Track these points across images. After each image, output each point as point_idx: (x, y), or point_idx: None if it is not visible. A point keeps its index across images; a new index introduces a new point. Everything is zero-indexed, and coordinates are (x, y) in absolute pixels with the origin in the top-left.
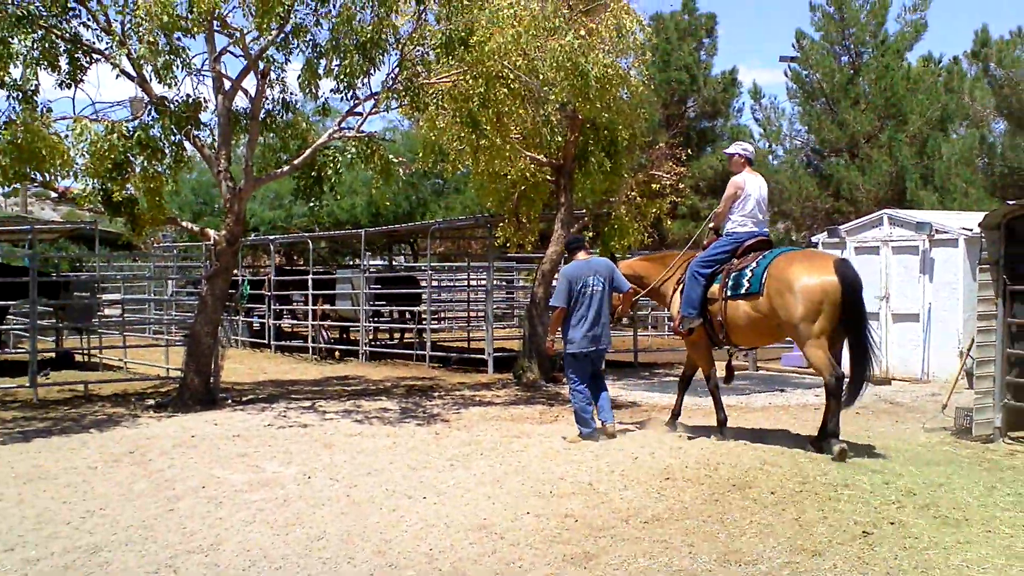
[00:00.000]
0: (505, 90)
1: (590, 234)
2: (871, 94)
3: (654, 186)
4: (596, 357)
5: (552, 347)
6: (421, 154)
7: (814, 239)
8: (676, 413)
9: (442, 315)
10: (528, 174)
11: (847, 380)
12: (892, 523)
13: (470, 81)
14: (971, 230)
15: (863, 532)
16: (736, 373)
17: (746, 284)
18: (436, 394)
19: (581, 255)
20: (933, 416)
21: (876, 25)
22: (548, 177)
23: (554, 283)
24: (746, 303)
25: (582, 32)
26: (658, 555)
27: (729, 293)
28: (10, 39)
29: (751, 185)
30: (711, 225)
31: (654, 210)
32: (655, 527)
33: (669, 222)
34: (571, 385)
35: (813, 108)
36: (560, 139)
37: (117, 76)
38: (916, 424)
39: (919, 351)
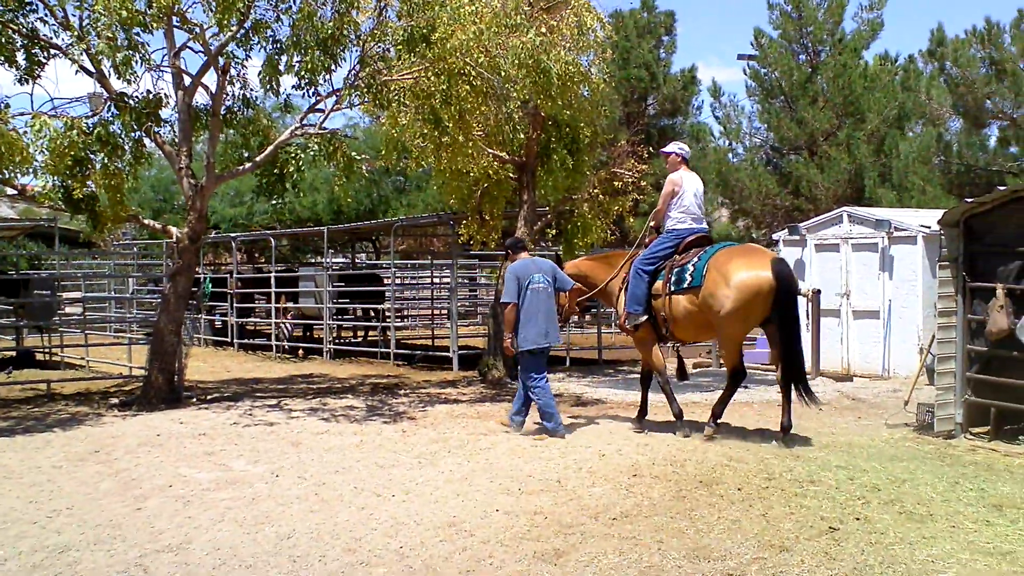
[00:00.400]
0: (467, 87)
1: (553, 231)
2: (829, 92)
3: (616, 184)
4: (546, 353)
5: (511, 347)
6: (383, 151)
7: (774, 236)
8: (643, 412)
9: (406, 313)
10: (491, 171)
11: (786, 378)
12: (858, 519)
13: (432, 78)
14: (930, 227)
15: (830, 528)
16: (697, 369)
17: (688, 278)
18: (402, 392)
19: (524, 255)
20: (895, 412)
21: (833, 24)
22: (511, 175)
23: None
24: (687, 297)
25: (543, 29)
26: (627, 552)
27: (672, 288)
28: None
29: (688, 182)
30: (652, 223)
31: (616, 207)
32: (624, 524)
33: (631, 219)
34: (531, 383)
35: (772, 106)
36: (522, 136)
37: (76, 72)
38: (878, 420)
39: (879, 347)
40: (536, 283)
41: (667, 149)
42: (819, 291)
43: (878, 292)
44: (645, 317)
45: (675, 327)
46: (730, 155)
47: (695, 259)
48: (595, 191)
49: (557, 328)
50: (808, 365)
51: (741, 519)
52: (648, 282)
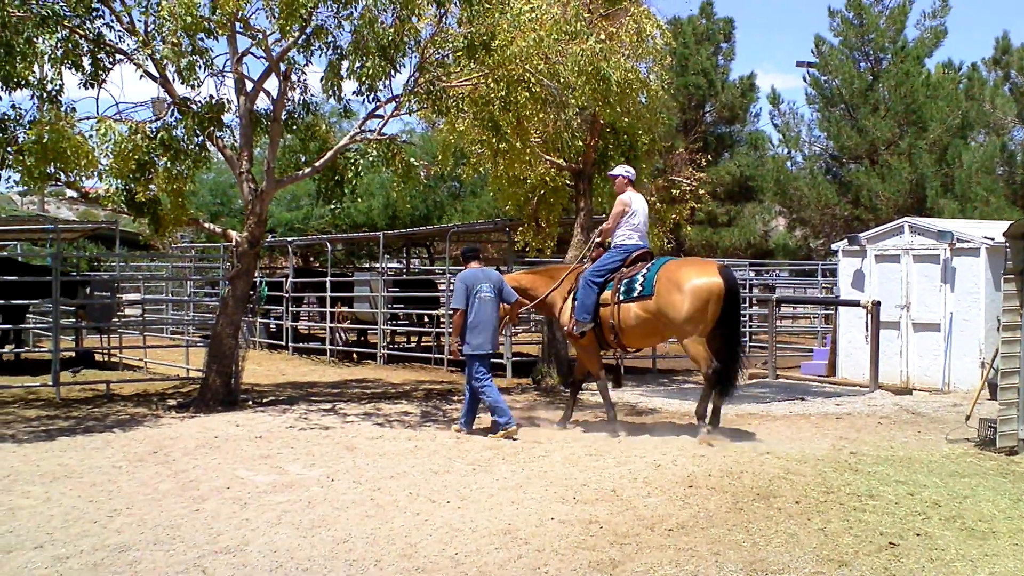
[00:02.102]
0: (526, 94)
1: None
2: (891, 100)
3: (674, 191)
4: (489, 357)
5: (458, 350)
6: (440, 157)
7: (833, 247)
8: (569, 414)
9: None
10: (548, 178)
11: (726, 373)
12: (918, 534)
13: (491, 85)
14: (993, 239)
15: (889, 543)
16: (754, 380)
17: (638, 288)
18: (455, 398)
19: (475, 264)
20: (956, 427)
21: (895, 31)
22: (568, 182)
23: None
24: (637, 305)
25: (602, 36)
26: (684, 563)
27: (622, 297)
28: (35, 39)
29: (636, 203)
30: (598, 239)
31: (673, 215)
32: (680, 535)
33: (688, 228)
34: (479, 384)
35: (832, 114)
36: (580, 143)
37: (140, 77)
38: (939, 435)
39: (940, 361)
40: (484, 292)
41: (614, 172)
42: (879, 303)
43: (939, 304)
44: (592, 325)
45: (624, 334)
46: (789, 163)
47: (643, 271)
48: (652, 199)
49: (498, 336)
50: (866, 377)
51: (799, 533)
52: (597, 293)
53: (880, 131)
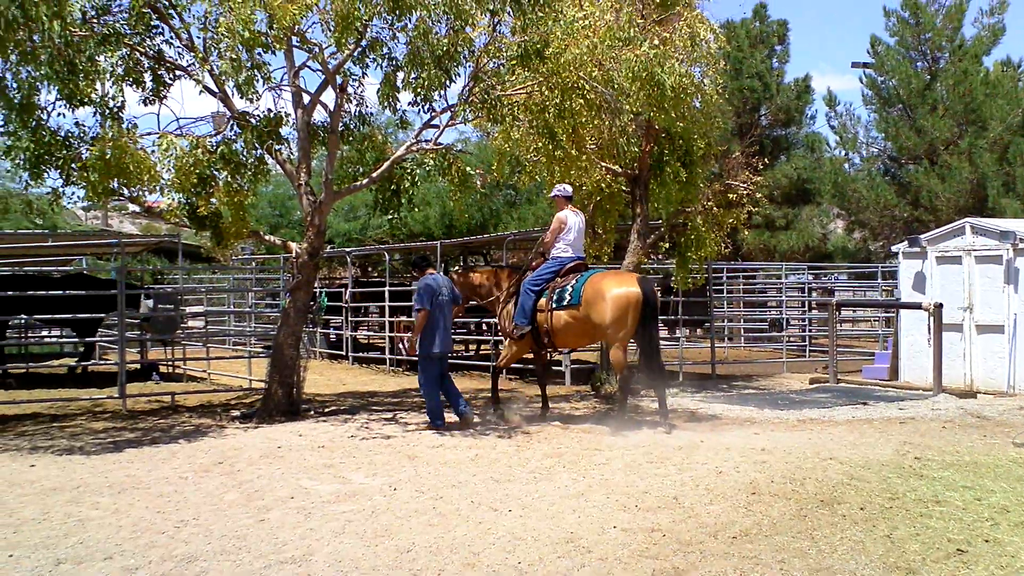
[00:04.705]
0: (581, 101)
1: (666, 245)
2: (949, 100)
3: (730, 196)
4: (445, 359)
5: (414, 348)
6: (495, 165)
7: (893, 248)
8: (545, 406)
9: None
10: (603, 185)
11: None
12: (987, 541)
13: (546, 92)
14: None
15: (957, 550)
16: (814, 385)
17: (568, 297)
18: (515, 406)
19: (431, 271)
20: (1023, 430)
21: (953, 29)
22: (623, 188)
23: None
24: (567, 312)
25: (656, 42)
26: (748, 571)
27: (554, 305)
28: (97, 57)
29: (572, 220)
30: (539, 251)
31: (731, 220)
32: (744, 543)
33: (746, 232)
34: (427, 391)
35: (890, 115)
36: (635, 149)
37: (200, 92)
38: (1005, 439)
39: (1004, 363)
40: (443, 296)
41: (553, 193)
42: (941, 305)
43: (1003, 306)
44: (529, 328)
45: (556, 337)
46: (846, 165)
47: (573, 281)
48: (709, 203)
49: (451, 337)
50: (929, 381)
51: (864, 540)
52: (535, 300)
53: (939, 131)
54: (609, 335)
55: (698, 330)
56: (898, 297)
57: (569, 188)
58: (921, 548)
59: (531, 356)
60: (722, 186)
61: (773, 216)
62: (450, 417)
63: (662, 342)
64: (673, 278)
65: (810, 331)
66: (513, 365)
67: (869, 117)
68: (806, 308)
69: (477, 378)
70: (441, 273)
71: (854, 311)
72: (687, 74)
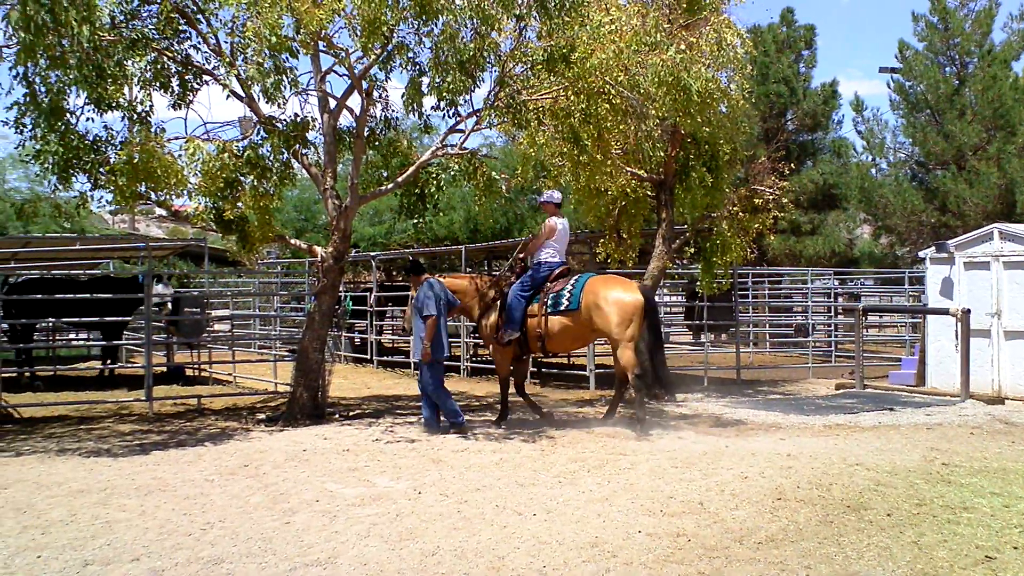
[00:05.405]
0: (607, 106)
1: (691, 250)
2: (978, 105)
3: (756, 201)
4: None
5: (428, 355)
6: (520, 170)
7: (920, 254)
8: (503, 414)
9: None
10: (629, 190)
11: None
12: (1015, 548)
13: (571, 97)
14: None
15: (986, 557)
16: (840, 390)
17: (566, 302)
18: (543, 409)
19: (424, 277)
20: None
21: (982, 35)
22: (649, 193)
23: (655, 298)
24: (566, 317)
25: (682, 47)
26: None
27: (549, 310)
28: (125, 62)
29: (561, 225)
30: (521, 255)
31: (756, 225)
32: (770, 548)
33: (771, 237)
34: (437, 393)
35: (917, 120)
36: (661, 154)
37: (227, 97)
38: None
39: None
40: (443, 301)
41: (542, 199)
42: (968, 311)
43: None
44: (518, 334)
45: (550, 342)
46: (873, 170)
47: (569, 286)
48: (735, 208)
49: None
50: (956, 387)
51: (892, 546)
52: (525, 305)
53: (967, 136)
54: (615, 337)
55: (723, 335)
56: (925, 303)
57: (558, 194)
58: (949, 555)
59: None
60: (748, 191)
61: (799, 221)
62: (447, 420)
63: (687, 347)
64: (698, 283)
65: (836, 336)
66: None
67: (896, 122)
68: (832, 313)
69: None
70: (436, 278)
71: (880, 316)
72: (713, 79)
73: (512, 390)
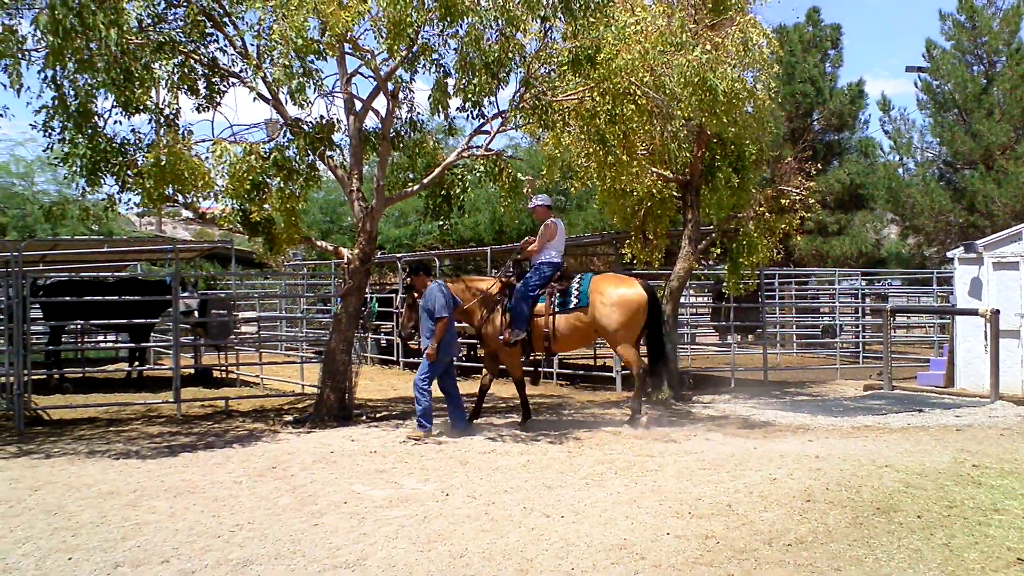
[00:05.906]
0: (632, 106)
1: (717, 250)
2: (1006, 104)
3: (783, 201)
4: (451, 362)
5: (434, 355)
6: (545, 171)
7: (948, 254)
8: (475, 414)
9: None
10: (655, 190)
11: (653, 372)
12: None
13: (597, 98)
14: None
15: (1017, 559)
16: (869, 392)
17: (574, 300)
18: (566, 412)
19: (431, 279)
20: None
21: (1010, 33)
22: (675, 193)
23: (681, 299)
24: (574, 315)
25: (708, 47)
26: None
27: (557, 308)
28: (152, 65)
29: (559, 226)
30: (519, 256)
31: (783, 225)
32: (799, 550)
33: (798, 237)
34: (422, 390)
35: (945, 119)
36: (687, 155)
37: (253, 99)
38: None
39: None
40: (450, 302)
41: (534, 203)
42: (997, 311)
43: None
44: (524, 334)
45: (557, 340)
46: (900, 170)
47: (575, 284)
48: (761, 209)
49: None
50: (986, 388)
51: (922, 548)
52: (531, 306)
53: (995, 135)
54: (617, 337)
55: (750, 336)
56: (954, 303)
57: (548, 198)
58: (980, 557)
59: (490, 361)
60: (774, 191)
61: (826, 222)
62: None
63: (713, 348)
64: (725, 284)
65: (863, 337)
66: (562, 371)
67: (924, 122)
68: (859, 314)
69: (528, 384)
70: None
71: (908, 317)
72: (739, 79)
73: (485, 384)
